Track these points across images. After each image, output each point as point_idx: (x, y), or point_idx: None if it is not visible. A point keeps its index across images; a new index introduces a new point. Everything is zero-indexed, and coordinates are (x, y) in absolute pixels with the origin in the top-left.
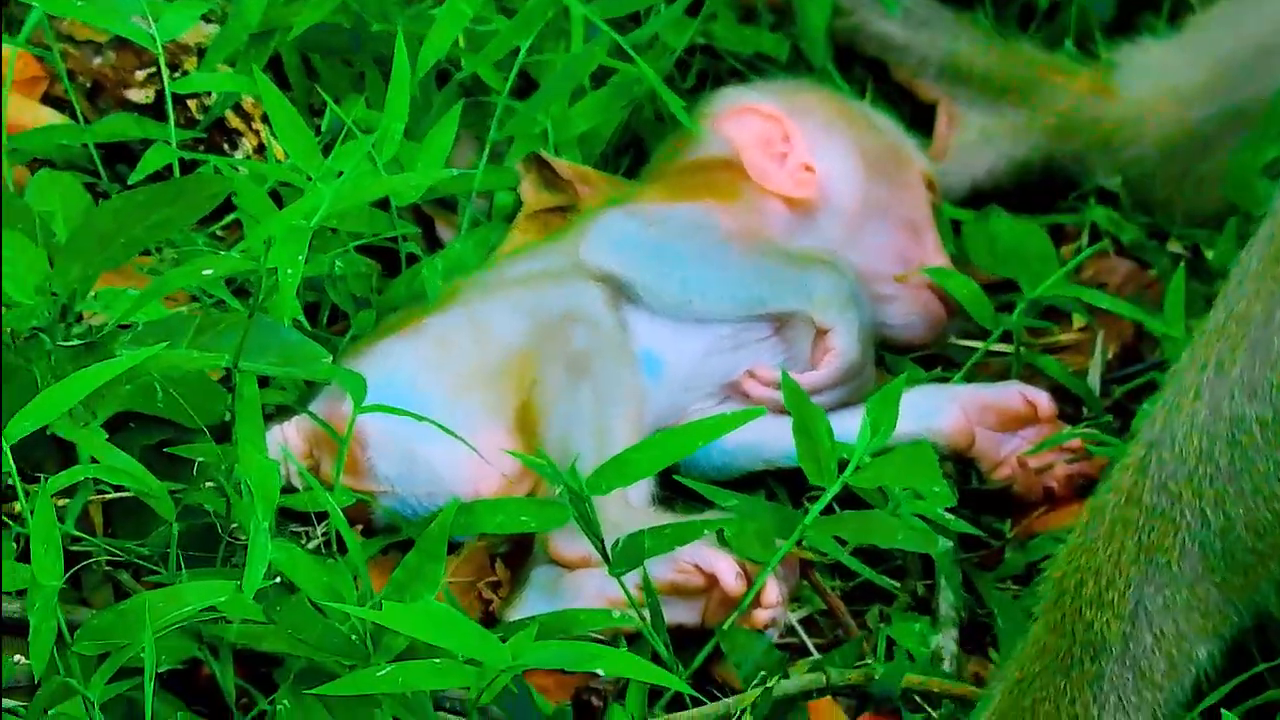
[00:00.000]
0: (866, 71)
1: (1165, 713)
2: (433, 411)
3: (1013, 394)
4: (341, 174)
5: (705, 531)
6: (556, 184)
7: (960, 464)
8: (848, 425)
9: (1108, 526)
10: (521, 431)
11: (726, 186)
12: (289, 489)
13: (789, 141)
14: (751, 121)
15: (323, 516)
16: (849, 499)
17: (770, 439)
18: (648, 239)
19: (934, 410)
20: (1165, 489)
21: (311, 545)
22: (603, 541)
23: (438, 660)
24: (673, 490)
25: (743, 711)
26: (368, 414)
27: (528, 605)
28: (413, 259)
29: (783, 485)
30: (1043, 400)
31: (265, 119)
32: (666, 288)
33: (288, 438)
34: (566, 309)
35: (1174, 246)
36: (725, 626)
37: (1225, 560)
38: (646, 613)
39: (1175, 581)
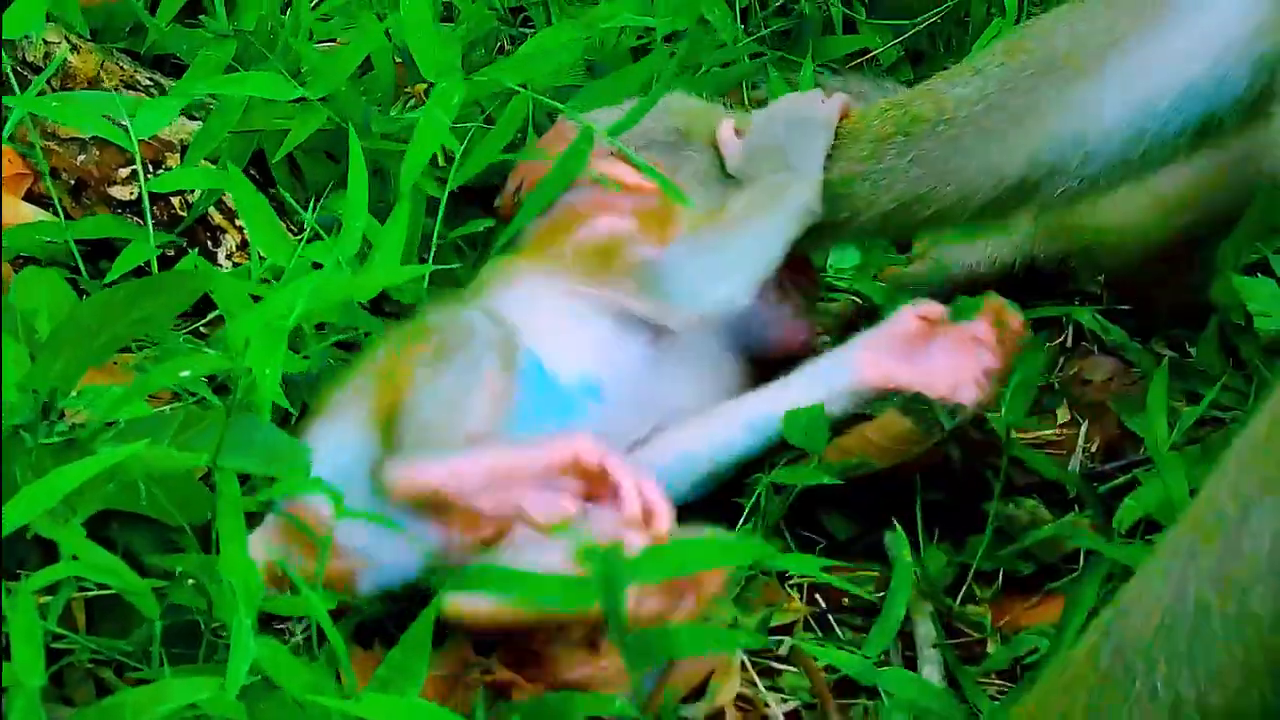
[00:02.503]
0: None
1: None
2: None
3: (903, 316)
4: (318, 267)
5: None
6: None
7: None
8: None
9: (1066, 680)
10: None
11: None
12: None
13: None
14: None
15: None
16: None
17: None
18: None
19: (842, 366)
20: (1122, 656)
21: (293, 642)
22: (624, 635)
23: None
24: None
25: None
26: (319, 495)
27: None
28: None
29: None
30: (933, 308)
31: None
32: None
33: (259, 547)
34: (446, 324)
35: (1158, 346)
36: None
37: None
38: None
39: None
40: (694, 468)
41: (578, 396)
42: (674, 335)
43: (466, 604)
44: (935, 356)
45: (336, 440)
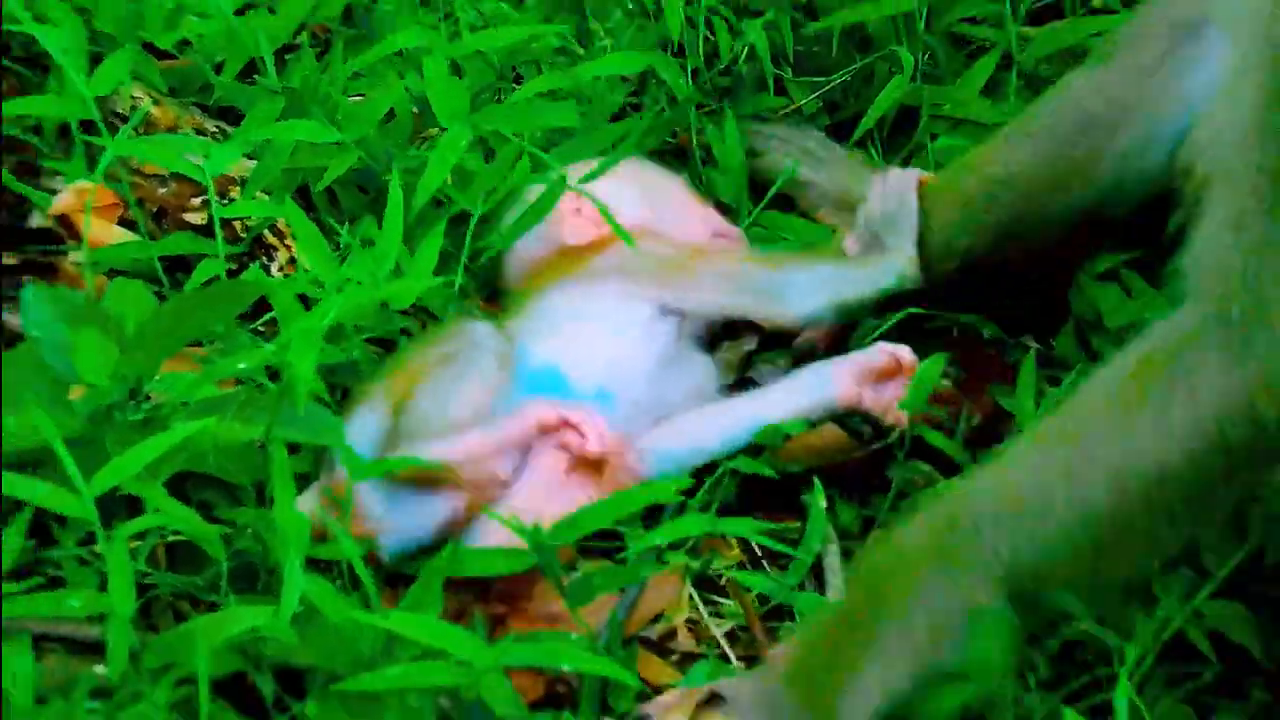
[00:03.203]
0: (775, 205)
1: (924, 675)
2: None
3: (879, 354)
4: (349, 281)
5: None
6: None
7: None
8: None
9: (925, 530)
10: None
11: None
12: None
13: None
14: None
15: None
16: None
17: (714, 438)
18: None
19: (825, 383)
20: (974, 518)
21: (334, 580)
22: (562, 583)
23: (435, 663)
24: None
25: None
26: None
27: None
28: None
29: None
30: (904, 353)
31: (295, 236)
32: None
33: (305, 504)
34: (454, 332)
35: (1027, 340)
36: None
37: (1010, 586)
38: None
39: (957, 586)
40: (701, 453)
41: (591, 402)
42: (679, 347)
43: None
44: (887, 388)
45: (365, 427)
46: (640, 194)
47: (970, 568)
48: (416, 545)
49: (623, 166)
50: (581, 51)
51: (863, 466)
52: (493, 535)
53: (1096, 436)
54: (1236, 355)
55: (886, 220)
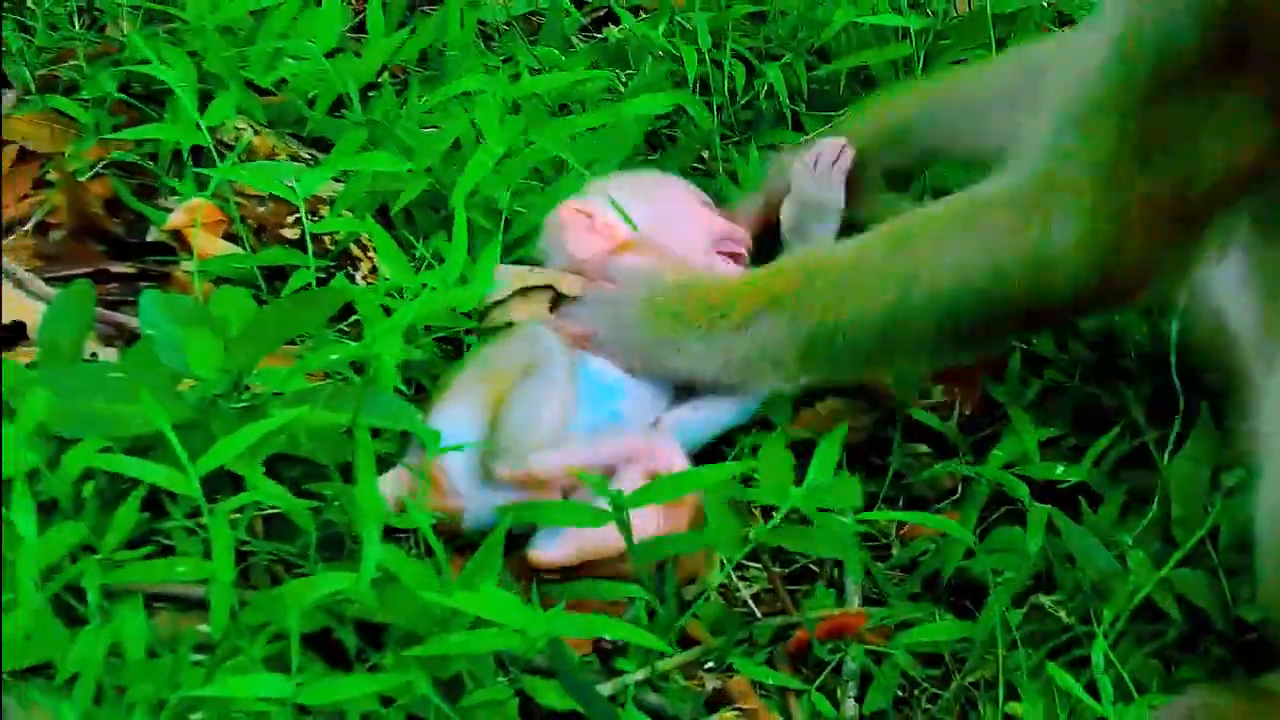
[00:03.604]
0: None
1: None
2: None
3: None
4: (424, 288)
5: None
6: None
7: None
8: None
9: (782, 271)
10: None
11: None
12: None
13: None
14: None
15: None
16: None
17: (725, 412)
18: None
19: None
20: (821, 281)
21: (411, 551)
22: (632, 539)
23: (494, 629)
24: None
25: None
26: (448, 453)
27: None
28: None
29: None
30: None
31: (376, 249)
32: None
33: (389, 486)
34: (525, 334)
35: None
36: (701, 604)
37: (810, 346)
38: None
39: (774, 327)
40: (717, 424)
41: (614, 387)
42: None
43: (542, 554)
44: None
45: (461, 418)
46: (641, 205)
47: (784, 323)
48: (490, 519)
49: (625, 180)
50: (623, 90)
51: (866, 445)
52: (570, 538)
53: (910, 256)
54: (1030, 222)
55: (818, 200)
